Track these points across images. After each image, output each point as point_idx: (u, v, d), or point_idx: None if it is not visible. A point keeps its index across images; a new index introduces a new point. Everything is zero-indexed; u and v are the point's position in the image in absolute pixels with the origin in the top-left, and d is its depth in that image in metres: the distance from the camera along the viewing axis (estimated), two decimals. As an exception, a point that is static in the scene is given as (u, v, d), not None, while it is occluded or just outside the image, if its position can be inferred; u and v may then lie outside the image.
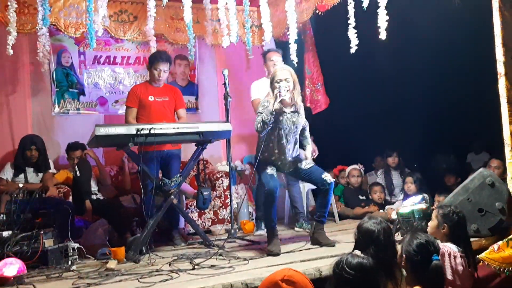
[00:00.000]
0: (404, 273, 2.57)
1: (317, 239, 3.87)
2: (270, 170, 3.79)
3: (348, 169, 5.71)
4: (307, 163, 3.91)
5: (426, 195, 4.00)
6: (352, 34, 4.33)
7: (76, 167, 4.61)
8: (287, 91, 3.66)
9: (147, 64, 4.58)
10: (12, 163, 4.63)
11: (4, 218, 3.76)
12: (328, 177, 3.84)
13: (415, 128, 6.07)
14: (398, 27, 4.45)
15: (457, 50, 5.46)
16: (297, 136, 3.90)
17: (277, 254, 3.59)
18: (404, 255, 2.45)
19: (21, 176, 4.61)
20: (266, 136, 3.73)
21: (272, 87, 3.74)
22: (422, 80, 6.03)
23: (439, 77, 5.95)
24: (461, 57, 5.53)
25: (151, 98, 4.40)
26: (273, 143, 3.78)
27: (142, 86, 4.53)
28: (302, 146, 4.02)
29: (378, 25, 3.97)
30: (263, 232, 4.50)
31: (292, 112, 3.79)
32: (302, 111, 3.91)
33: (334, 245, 3.78)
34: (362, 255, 2.38)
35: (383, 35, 4.01)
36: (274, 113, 3.61)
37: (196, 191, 4.77)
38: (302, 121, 3.90)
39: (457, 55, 5.51)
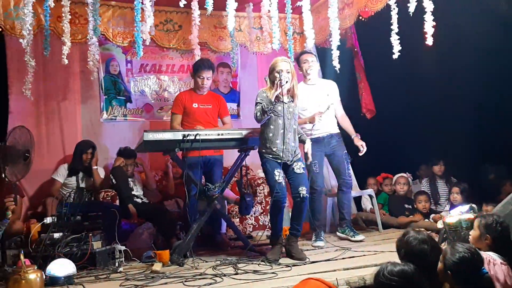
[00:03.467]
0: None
1: (290, 252, 3.80)
2: (278, 175, 3.75)
3: (395, 176, 5.63)
4: (300, 167, 3.84)
5: (473, 205, 3.88)
6: (394, 40, 4.28)
7: (111, 175, 4.77)
8: (286, 82, 3.75)
9: (191, 72, 4.69)
10: (68, 165, 4.84)
11: (56, 220, 3.92)
12: (303, 190, 3.76)
13: (463, 136, 5.91)
14: (444, 32, 4.37)
15: (506, 57, 5.30)
16: (295, 126, 3.89)
17: (275, 262, 3.62)
18: (449, 272, 2.38)
19: (73, 178, 4.82)
20: (267, 127, 3.80)
21: (272, 77, 3.83)
22: (469, 87, 5.86)
23: (487, 83, 5.77)
24: (510, 64, 5.35)
25: (195, 105, 4.50)
26: (273, 132, 3.79)
27: (187, 93, 4.65)
28: (301, 141, 3.99)
29: (424, 30, 3.91)
30: (322, 243, 4.39)
31: (289, 102, 3.85)
32: (296, 101, 3.91)
33: (305, 260, 3.65)
34: (403, 262, 2.34)
35: (430, 41, 3.94)
36: (274, 102, 3.71)
37: (237, 196, 4.84)
38: (297, 110, 3.92)
39: (506, 61, 5.34)
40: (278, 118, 3.79)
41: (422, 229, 2.62)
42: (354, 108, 5.78)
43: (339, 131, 4.72)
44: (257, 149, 3.95)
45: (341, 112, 4.78)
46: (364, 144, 4.62)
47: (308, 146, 3.96)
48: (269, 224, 4.01)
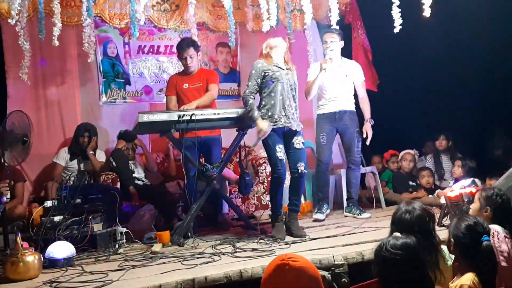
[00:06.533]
0: (450, 262, 2.47)
1: (290, 229, 3.80)
2: (279, 151, 3.74)
3: (402, 153, 5.58)
4: (300, 141, 3.83)
5: (476, 179, 3.83)
6: (396, 13, 4.19)
7: (111, 158, 4.75)
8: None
9: (177, 56, 4.63)
10: (68, 149, 4.84)
11: (56, 203, 3.93)
12: (302, 166, 3.76)
13: (470, 111, 5.81)
14: (448, 4, 4.27)
15: None
16: (294, 94, 3.88)
17: (281, 240, 3.60)
18: (452, 240, 2.35)
19: (75, 162, 4.82)
20: (265, 95, 3.78)
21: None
22: (475, 59, 5.73)
23: (494, 54, 5.63)
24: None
25: (185, 85, 4.48)
26: (273, 99, 3.76)
27: (178, 75, 4.64)
28: None
29: (422, 1, 3.81)
30: (321, 216, 4.45)
31: (287, 69, 3.86)
32: (294, 71, 3.94)
33: (305, 237, 3.64)
34: (403, 235, 2.30)
35: (427, 13, 3.86)
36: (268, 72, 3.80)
37: (238, 177, 4.81)
38: (295, 79, 3.90)
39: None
40: (277, 84, 3.76)
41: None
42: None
43: (353, 109, 4.68)
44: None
45: (362, 95, 4.75)
46: (371, 133, 4.63)
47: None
48: (270, 202, 3.98)
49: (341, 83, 4.60)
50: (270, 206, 4.84)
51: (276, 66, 3.81)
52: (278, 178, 3.78)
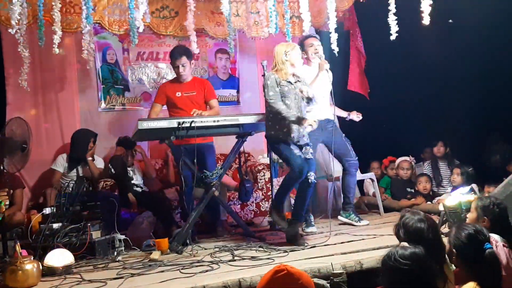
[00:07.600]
0: (453, 267, 2.48)
1: (290, 235, 3.78)
2: (297, 151, 3.72)
3: (398, 160, 5.58)
4: (309, 151, 3.81)
5: (474, 186, 3.83)
6: (392, 20, 4.21)
7: (109, 164, 4.75)
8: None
9: (170, 63, 4.63)
10: (67, 156, 4.81)
11: (54, 210, 3.93)
12: (312, 176, 3.77)
13: (467, 116, 5.82)
14: (444, 11, 4.29)
15: (508, 32, 5.19)
16: (304, 106, 3.83)
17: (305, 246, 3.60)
18: (454, 250, 2.34)
19: (74, 171, 4.80)
20: (275, 110, 3.72)
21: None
22: (473, 65, 5.76)
23: (490, 60, 5.66)
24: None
25: (178, 94, 4.48)
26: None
27: (170, 83, 4.64)
28: None
29: (421, 9, 3.84)
30: (314, 229, 4.34)
31: (296, 82, 3.83)
32: (306, 81, 3.93)
33: (304, 245, 3.63)
34: (411, 245, 2.30)
35: (426, 20, 3.88)
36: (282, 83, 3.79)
37: (238, 183, 4.81)
38: (307, 89, 3.84)
39: (509, 37, 5.23)
40: (285, 99, 3.74)
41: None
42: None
43: (333, 118, 4.59)
44: (265, 134, 3.91)
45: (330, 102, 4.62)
46: (359, 114, 4.68)
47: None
48: (275, 203, 3.93)
49: (319, 91, 4.40)
50: (268, 215, 4.85)
51: (285, 80, 3.78)
52: (299, 173, 3.68)
